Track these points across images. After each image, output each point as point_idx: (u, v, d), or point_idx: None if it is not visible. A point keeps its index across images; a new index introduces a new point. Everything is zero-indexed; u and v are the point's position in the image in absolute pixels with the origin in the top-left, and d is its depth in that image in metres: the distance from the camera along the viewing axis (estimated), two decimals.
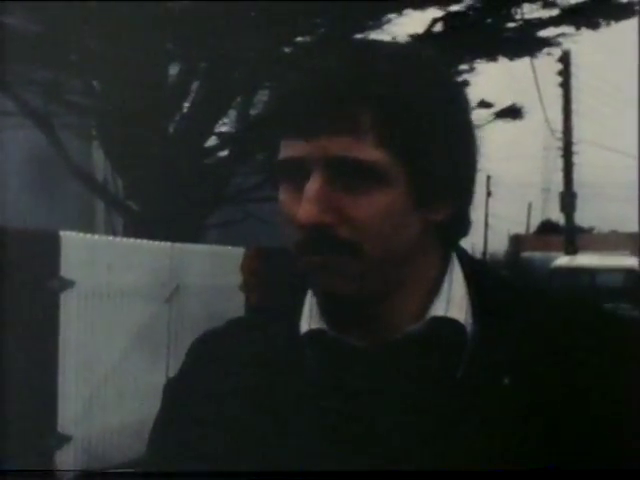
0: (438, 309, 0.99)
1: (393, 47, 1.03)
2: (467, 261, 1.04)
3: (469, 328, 0.98)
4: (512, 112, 12.14)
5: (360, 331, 1.00)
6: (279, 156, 0.98)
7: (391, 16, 10.36)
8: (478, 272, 1.03)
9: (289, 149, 0.96)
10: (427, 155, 0.95)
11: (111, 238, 7.33)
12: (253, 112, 10.93)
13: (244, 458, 1.00)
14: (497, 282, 1.04)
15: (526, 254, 28.03)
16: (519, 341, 0.98)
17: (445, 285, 1.01)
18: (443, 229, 1.01)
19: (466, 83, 11.48)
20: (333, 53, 0.99)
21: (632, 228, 26.32)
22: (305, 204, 0.93)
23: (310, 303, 1.04)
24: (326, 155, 0.94)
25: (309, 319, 1.03)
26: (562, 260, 17.31)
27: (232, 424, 1.02)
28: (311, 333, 1.02)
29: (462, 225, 1.04)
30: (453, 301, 0.99)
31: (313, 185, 0.94)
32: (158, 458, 1.10)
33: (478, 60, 11.48)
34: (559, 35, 11.36)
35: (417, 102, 0.95)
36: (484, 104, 11.77)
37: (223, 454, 1.01)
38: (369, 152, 0.93)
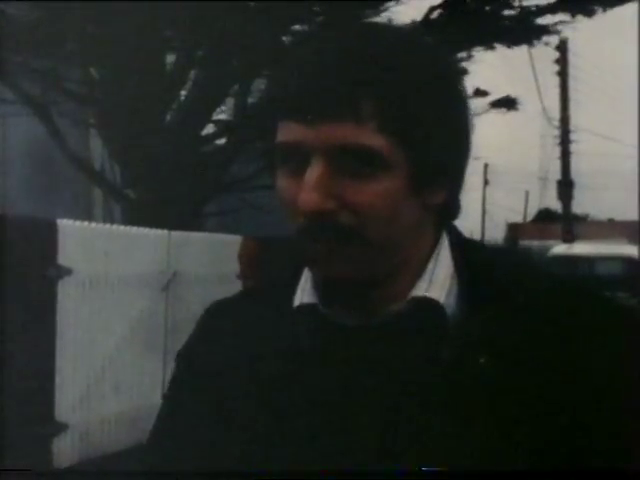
0: (419, 289, 1.00)
1: (394, 33, 1.02)
2: (457, 242, 1.05)
3: (451, 308, 0.99)
4: (509, 102, 12.14)
5: (349, 309, 1.02)
6: (278, 138, 0.98)
7: (389, 4, 10.37)
8: (467, 253, 1.04)
9: (288, 132, 0.96)
10: (427, 141, 0.95)
11: (108, 226, 7.30)
12: (250, 100, 10.91)
13: (247, 426, 1.02)
14: (486, 263, 1.04)
15: (523, 242, 28.04)
16: (503, 322, 0.98)
17: (430, 266, 1.02)
18: (437, 212, 1.02)
19: (464, 71, 11.47)
20: (334, 39, 0.99)
21: (629, 216, 26.34)
22: (306, 190, 0.94)
23: (305, 278, 1.05)
24: (327, 141, 0.93)
25: (302, 293, 1.05)
26: (559, 248, 17.29)
27: (233, 396, 1.04)
28: (302, 307, 1.04)
29: (454, 208, 1.05)
30: (435, 281, 1.00)
31: (314, 171, 0.94)
32: (171, 428, 1.12)
33: (476, 48, 11.47)
34: (557, 23, 11.36)
35: (417, 88, 0.95)
36: (481, 93, 11.77)
37: (229, 424, 1.03)
38: (370, 138, 0.93)
